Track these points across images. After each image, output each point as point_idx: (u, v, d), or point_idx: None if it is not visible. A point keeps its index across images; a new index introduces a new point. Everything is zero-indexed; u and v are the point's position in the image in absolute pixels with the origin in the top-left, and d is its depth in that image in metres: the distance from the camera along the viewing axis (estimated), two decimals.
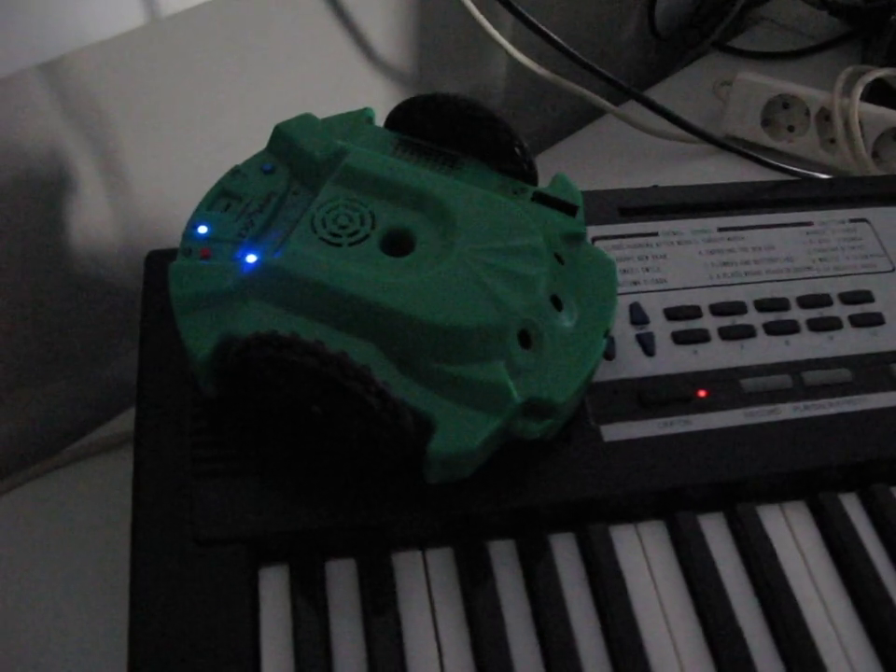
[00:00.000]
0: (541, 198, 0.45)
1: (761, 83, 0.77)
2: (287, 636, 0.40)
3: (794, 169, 0.66)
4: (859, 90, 0.74)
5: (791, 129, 0.78)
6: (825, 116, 0.75)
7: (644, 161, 0.75)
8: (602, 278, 0.43)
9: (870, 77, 0.76)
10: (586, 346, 0.41)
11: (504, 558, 0.42)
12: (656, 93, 0.85)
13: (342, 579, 0.42)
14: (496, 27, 0.64)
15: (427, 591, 0.41)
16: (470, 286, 0.39)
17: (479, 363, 0.39)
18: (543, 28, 0.58)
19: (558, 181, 0.46)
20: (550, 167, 0.74)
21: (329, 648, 0.39)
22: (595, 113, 0.79)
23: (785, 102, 0.77)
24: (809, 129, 0.76)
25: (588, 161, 0.75)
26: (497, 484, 0.42)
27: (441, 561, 0.42)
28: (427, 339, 0.38)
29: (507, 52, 0.64)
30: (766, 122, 0.78)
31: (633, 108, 0.75)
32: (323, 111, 0.51)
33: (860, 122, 0.74)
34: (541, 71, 0.66)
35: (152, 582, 0.39)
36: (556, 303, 0.41)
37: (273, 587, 0.41)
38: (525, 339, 0.40)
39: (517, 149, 0.45)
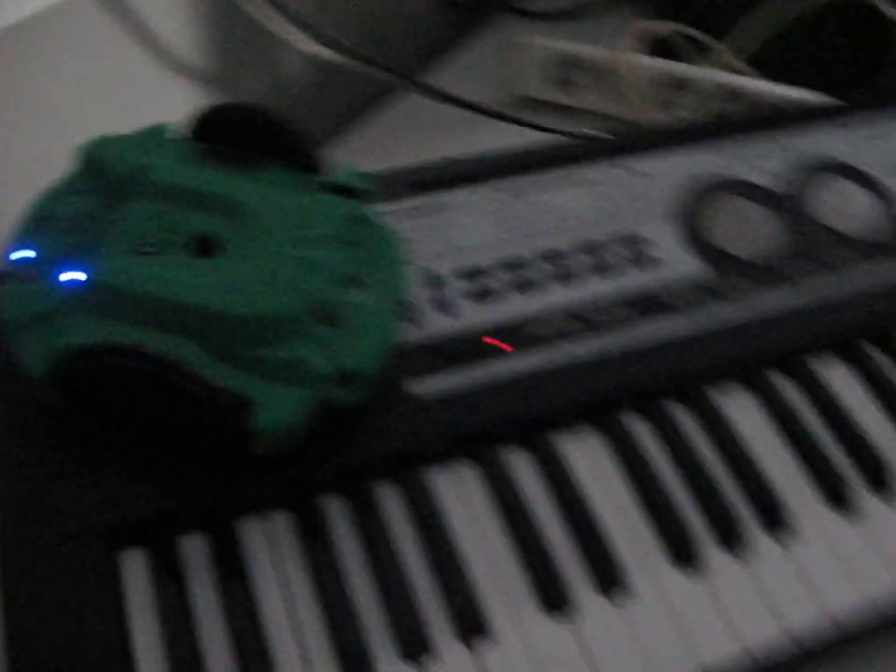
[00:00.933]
0: (332, 187, 0.50)
1: (543, 45, 0.83)
2: (152, 614, 0.44)
3: (571, 131, 0.71)
4: (640, 45, 0.81)
5: (580, 86, 0.84)
6: (608, 70, 0.82)
7: (442, 132, 0.80)
8: (391, 253, 0.49)
9: (651, 33, 0.83)
10: (383, 316, 0.46)
11: (338, 512, 0.48)
12: (453, 60, 0.90)
13: (195, 552, 0.46)
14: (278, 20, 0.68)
15: (273, 552, 0.46)
16: (271, 276, 0.44)
17: (287, 344, 0.44)
18: (307, 21, 0.63)
19: (346, 170, 0.51)
20: (354, 146, 0.79)
21: (193, 619, 0.44)
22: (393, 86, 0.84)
23: (569, 60, 0.83)
24: (597, 85, 0.82)
25: (390, 137, 0.80)
26: (322, 448, 0.47)
27: (282, 523, 0.47)
28: (237, 329, 0.43)
29: (293, 44, 0.69)
30: (557, 81, 0.84)
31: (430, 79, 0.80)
32: (131, 124, 0.54)
33: (643, 75, 0.80)
34: (331, 56, 0.71)
35: (22, 582, 0.43)
36: (352, 281, 0.46)
37: (133, 570, 0.45)
38: (326, 317, 0.45)
39: (307, 146, 0.50)
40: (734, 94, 0.80)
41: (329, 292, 0.45)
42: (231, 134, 0.50)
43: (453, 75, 0.91)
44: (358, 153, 0.79)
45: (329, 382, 0.44)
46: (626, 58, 0.80)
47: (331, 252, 0.46)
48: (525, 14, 0.99)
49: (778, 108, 0.75)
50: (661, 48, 0.88)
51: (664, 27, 0.87)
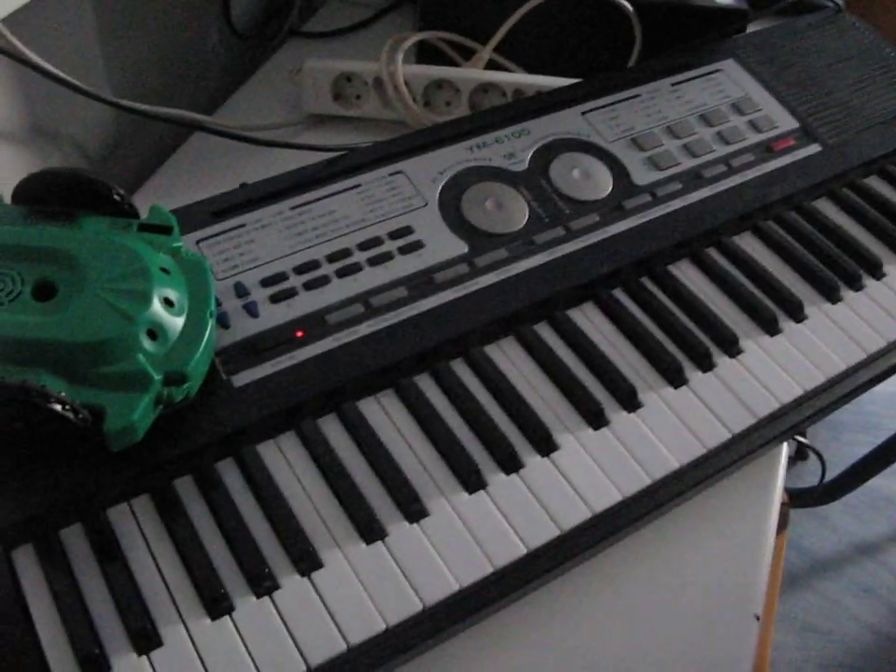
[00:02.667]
0: (144, 227, 0.61)
1: (323, 66, 0.93)
2: (49, 601, 0.54)
3: (355, 145, 0.82)
4: (399, 55, 0.92)
5: (358, 97, 0.95)
6: (381, 82, 0.93)
7: (239, 162, 0.91)
8: (199, 275, 0.60)
9: (408, 43, 0.95)
10: (198, 326, 0.57)
11: (188, 490, 0.59)
12: (251, 88, 1.01)
13: (76, 540, 0.56)
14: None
15: (140, 533, 0.57)
16: (101, 308, 0.55)
17: (123, 360, 0.54)
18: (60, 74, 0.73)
19: (154, 211, 0.62)
20: (163, 186, 0.88)
21: (81, 594, 0.54)
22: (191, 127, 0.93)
23: (348, 76, 0.94)
24: (371, 95, 0.94)
25: (194, 173, 0.89)
26: (166, 438, 0.58)
27: (143, 505, 0.58)
28: (81, 353, 0.54)
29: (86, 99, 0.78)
30: (337, 96, 0.95)
31: (221, 114, 0.91)
32: None
33: (406, 82, 0.92)
34: (129, 104, 0.81)
35: None
36: (169, 303, 0.57)
37: (26, 563, 0.55)
38: (152, 334, 0.56)
39: (116, 196, 0.60)
40: (493, 87, 0.93)
41: (152, 315, 0.56)
42: (51, 195, 0.60)
43: (251, 102, 1.00)
44: (169, 192, 0.88)
45: (161, 384, 0.55)
46: (391, 68, 0.91)
47: (149, 282, 0.57)
48: (308, 36, 1.10)
49: (533, 97, 0.87)
50: (432, 55, 1.01)
51: (429, 35, 0.99)
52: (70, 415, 0.52)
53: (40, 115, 0.80)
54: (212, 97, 1.01)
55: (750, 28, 0.98)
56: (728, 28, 0.97)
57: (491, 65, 0.99)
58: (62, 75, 0.74)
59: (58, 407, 0.52)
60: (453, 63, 1.00)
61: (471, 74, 0.92)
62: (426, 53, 1.01)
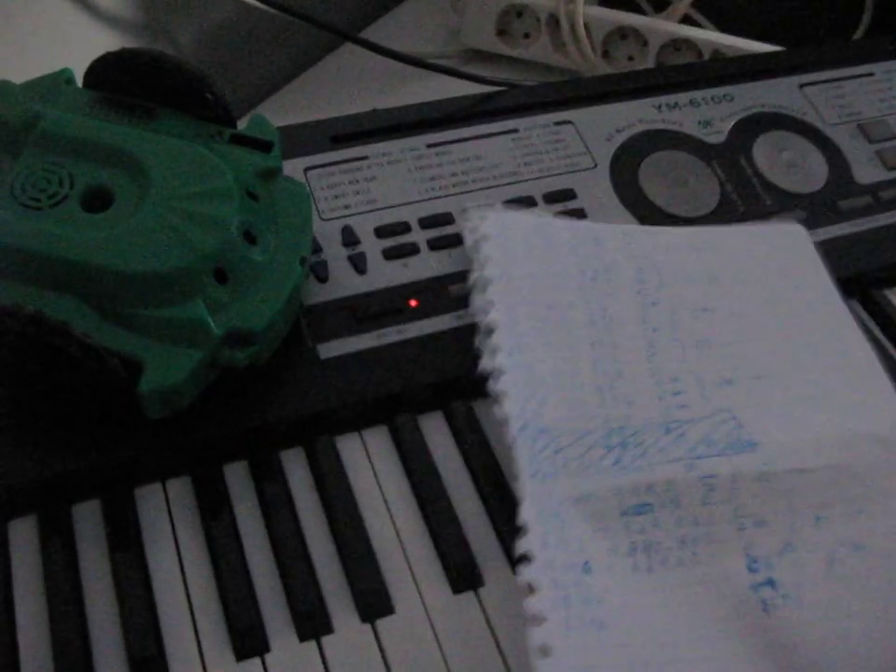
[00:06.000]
0: (237, 139, 0.48)
1: None
2: (38, 582, 0.42)
3: (519, 81, 0.69)
4: None
5: (526, 35, 0.82)
6: (555, 21, 0.79)
7: (383, 85, 0.77)
8: (297, 209, 0.47)
9: None
10: (282, 275, 0.44)
11: (239, 480, 0.46)
12: (402, 11, 0.88)
13: (88, 520, 0.44)
14: None
15: (169, 521, 0.44)
16: (163, 232, 0.42)
17: (178, 303, 0.42)
18: None
19: (254, 121, 0.48)
20: (295, 99, 0.76)
21: (80, 588, 0.42)
22: (336, 41, 0.81)
23: (518, 10, 0.80)
24: (542, 35, 0.80)
25: (331, 91, 0.77)
26: (222, 411, 0.45)
27: (180, 490, 0.45)
28: (126, 287, 0.41)
29: None
30: (502, 31, 0.82)
31: (373, 32, 0.78)
32: (47, 67, 0.52)
33: (586, 25, 0.78)
34: (266, 9, 0.68)
35: None
36: (250, 238, 0.44)
37: (22, 537, 0.43)
38: (220, 275, 0.43)
39: (209, 95, 0.47)
40: (687, 45, 0.78)
41: (226, 250, 0.43)
42: (130, 82, 0.48)
43: (405, 27, 0.88)
44: (293, 110, 0.76)
45: (220, 342, 0.42)
46: (571, 5, 0.77)
47: (231, 207, 0.44)
48: None
49: (741, 57, 0.72)
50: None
51: None
52: (93, 364, 0.39)
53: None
54: (362, 13, 0.87)
55: None
56: None
57: (686, 21, 0.83)
58: None
59: (77, 351, 0.39)
60: (642, 12, 0.84)
61: (664, 26, 0.78)
62: None
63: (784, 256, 0.53)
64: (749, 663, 0.39)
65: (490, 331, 0.47)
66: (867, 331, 0.53)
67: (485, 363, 0.47)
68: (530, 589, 0.40)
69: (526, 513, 0.42)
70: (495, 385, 0.46)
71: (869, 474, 0.44)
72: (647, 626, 0.40)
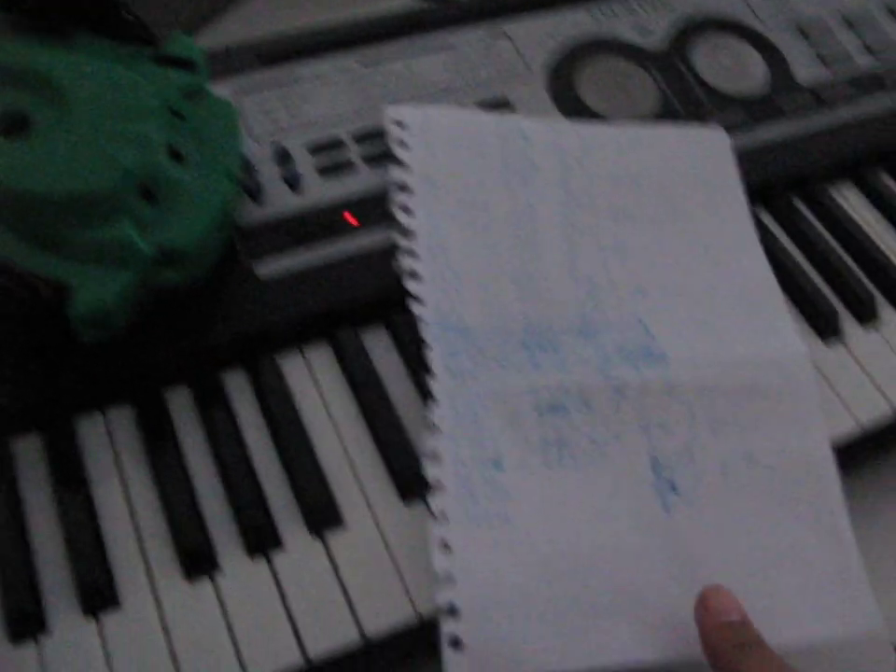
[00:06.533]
0: (160, 59, 0.46)
1: None
2: None
3: None
4: None
5: None
6: None
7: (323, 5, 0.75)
8: (224, 126, 0.46)
9: None
10: (210, 192, 0.43)
11: (182, 404, 0.45)
12: None
13: (29, 454, 0.43)
14: None
15: (112, 452, 0.43)
16: (85, 152, 0.41)
17: (105, 224, 0.41)
18: None
19: (175, 40, 0.47)
20: (227, 26, 0.74)
21: (26, 533, 0.41)
22: None
23: None
24: None
25: (267, 15, 0.75)
26: (160, 334, 0.44)
27: (121, 419, 0.44)
28: (51, 210, 0.40)
29: None
30: None
31: None
32: None
33: None
34: None
35: None
36: (176, 156, 0.43)
37: None
38: (146, 194, 0.42)
39: (126, 15, 0.46)
40: None
41: (151, 167, 0.42)
42: (45, 4, 0.46)
43: None
44: (232, 34, 0.73)
45: (151, 262, 0.41)
46: None
47: (155, 125, 0.43)
48: None
49: None
50: None
51: None
52: (22, 291, 0.38)
53: None
54: None
55: None
56: None
57: None
58: None
59: (3, 278, 0.38)
60: None
61: None
62: None
63: (704, 164, 0.54)
64: (649, 559, 0.41)
65: (407, 232, 0.47)
66: (809, 230, 0.53)
67: (402, 263, 0.46)
68: (437, 487, 0.41)
69: (439, 411, 0.43)
70: (409, 286, 0.46)
71: (765, 396, 0.46)
72: (552, 522, 0.41)
